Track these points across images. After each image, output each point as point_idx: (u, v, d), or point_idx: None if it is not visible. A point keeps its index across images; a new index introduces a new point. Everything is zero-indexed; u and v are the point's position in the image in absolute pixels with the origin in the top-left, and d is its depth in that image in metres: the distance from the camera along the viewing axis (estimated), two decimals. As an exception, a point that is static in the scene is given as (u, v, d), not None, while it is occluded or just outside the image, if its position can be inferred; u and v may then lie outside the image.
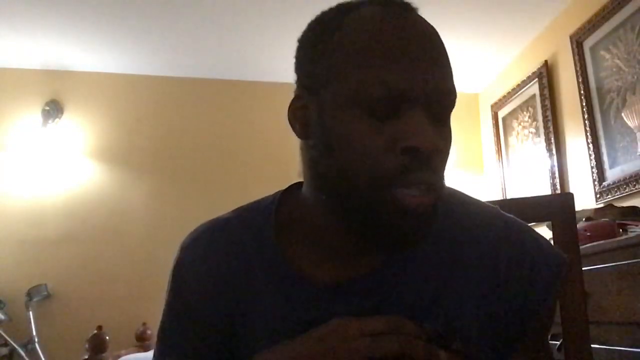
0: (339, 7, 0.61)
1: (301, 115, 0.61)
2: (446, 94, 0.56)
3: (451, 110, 0.58)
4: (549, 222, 0.97)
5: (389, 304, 0.60)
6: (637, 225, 1.80)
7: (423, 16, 0.58)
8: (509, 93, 3.20)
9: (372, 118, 0.54)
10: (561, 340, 0.89)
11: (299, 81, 0.62)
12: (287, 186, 0.70)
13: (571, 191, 2.47)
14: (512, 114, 3.21)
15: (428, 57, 0.55)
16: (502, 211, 0.67)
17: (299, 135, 0.62)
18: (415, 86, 0.53)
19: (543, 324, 0.65)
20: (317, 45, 0.59)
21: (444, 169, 0.56)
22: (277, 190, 0.71)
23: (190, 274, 0.66)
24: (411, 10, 0.59)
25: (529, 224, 0.68)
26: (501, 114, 3.33)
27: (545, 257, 0.64)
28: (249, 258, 0.65)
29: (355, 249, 0.62)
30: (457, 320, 0.61)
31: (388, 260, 0.62)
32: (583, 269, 0.90)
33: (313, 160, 0.60)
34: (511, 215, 0.67)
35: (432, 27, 0.58)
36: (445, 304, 0.61)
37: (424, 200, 0.54)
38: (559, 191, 2.70)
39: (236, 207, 0.72)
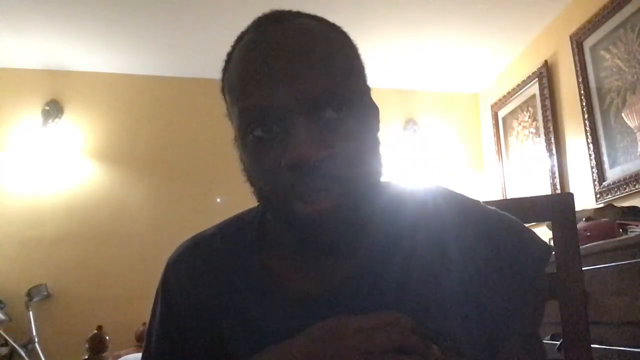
0: (237, 37, 0.63)
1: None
2: (322, 97, 0.55)
3: (345, 106, 0.56)
4: (549, 222, 0.97)
5: (372, 310, 0.59)
6: (637, 225, 1.81)
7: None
8: (509, 93, 3.20)
9: (262, 142, 0.56)
10: (561, 340, 0.89)
11: None
12: None
13: (571, 191, 2.47)
14: (512, 114, 3.21)
15: (295, 67, 0.54)
16: (484, 204, 0.68)
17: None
18: (281, 101, 0.54)
19: (532, 312, 0.65)
20: (222, 80, 0.64)
21: (342, 168, 0.55)
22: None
23: (176, 290, 0.68)
24: (283, 22, 0.58)
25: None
26: (501, 114, 3.33)
27: (527, 246, 0.64)
28: (232, 273, 0.66)
29: (323, 257, 0.62)
30: (443, 320, 0.60)
31: (367, 266, 0.62)
32: (583, 269, 0.90)
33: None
34: (494, 208, 0.67)
35: (306, 32, 0.58)
36: (430, 303, 0.61)
37: (321, 206, 0.54)
38: (559, 191, 2.70)
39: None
